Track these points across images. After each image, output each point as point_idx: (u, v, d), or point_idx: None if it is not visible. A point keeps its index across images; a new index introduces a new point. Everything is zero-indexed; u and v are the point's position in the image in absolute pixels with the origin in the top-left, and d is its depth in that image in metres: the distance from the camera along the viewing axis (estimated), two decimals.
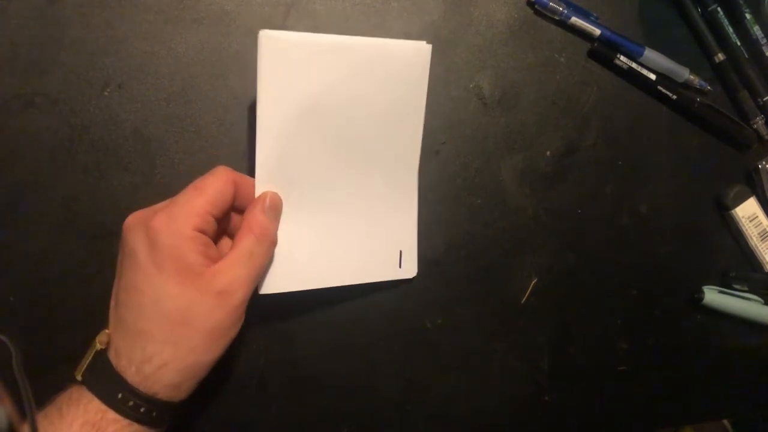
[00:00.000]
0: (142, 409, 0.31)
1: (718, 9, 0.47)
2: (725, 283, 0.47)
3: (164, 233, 0.32)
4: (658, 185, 0.47)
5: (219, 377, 0.40)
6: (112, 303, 0.34)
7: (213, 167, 0.37)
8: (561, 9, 0.44)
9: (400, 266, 0.42)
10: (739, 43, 0.47)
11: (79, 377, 0.31)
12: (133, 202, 0.34)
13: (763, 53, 0.47)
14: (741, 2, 0.47)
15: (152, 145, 0.40)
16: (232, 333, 0.34)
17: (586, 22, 0.44)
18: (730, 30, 0.47)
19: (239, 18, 0.40)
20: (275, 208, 0.38)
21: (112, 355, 0.32)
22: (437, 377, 0.43)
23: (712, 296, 0.46)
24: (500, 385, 0.45)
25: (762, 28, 0.47)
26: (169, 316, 0.32)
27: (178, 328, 0.32)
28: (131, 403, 0.31)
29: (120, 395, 0.31)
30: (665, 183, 0.47)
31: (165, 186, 0.39)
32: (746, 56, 0.47)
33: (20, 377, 0.28)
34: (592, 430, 0.46)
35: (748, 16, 0.47)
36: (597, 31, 0.44)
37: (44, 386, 0.31)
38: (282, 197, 0.38)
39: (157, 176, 0.39)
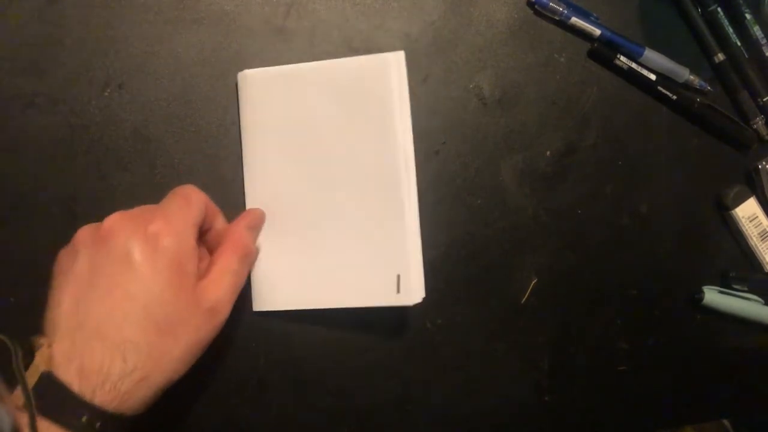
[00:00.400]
0: (97, 425, 0.28)
1: (718, 9, 0.47)
2: (725, 283, 0.47)
3: (168, 239, 0.31)
4: (658, 185, 0.47)
5: (219, 377, 0.40)
6: (67, 314, 0.30)
7: (213, 167, 0.38)
8: (561, 9, 0.44)
9: (398, 291, 0.39)
10: (739, 44, 0.47)
11: (20, 404, 0.27)
12: (133, 202, 0.34)
13: (763, 53, 0.47)
14: (741, 2, 0.47)
15: (152, 145, 0.40)
16: (204, 349, 0.33)
17: (586, 22, 0.44)
18: (730, 30, 0.47)
19: (239, 18, 0.40)
20: (258, 227, 0.38)
21: (67, 374, 0.28)
22: (437, 377, 0.43)
23: (712, 296, 0.46)
24: (500, 385, 0.45)
25: (762, 28, 0.47)
26: (159, 324, 0.30)
27: (164, 339, 0.30)
28: (98, 425, 0.28)
29: (85, 418, 0.28)
30: (665, 183, 0.47)
31: (165, 186, 0.39)
32: (746, 56, 0.47)
33: (20, 377, 0.28)
34: (592, 431, 0.46)
35: (748, 16, 0.47)
36: (597, 32, 0.44)
37: None
38: (272, 218, 0.39)
39: (157, 176, 0.39)
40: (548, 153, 0.45)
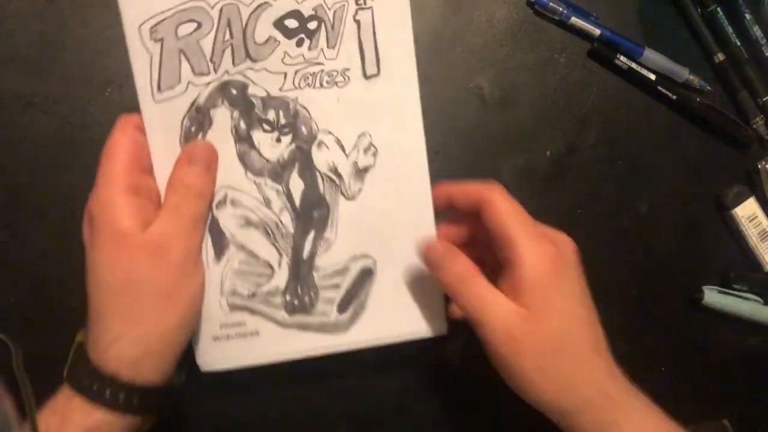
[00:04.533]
0: (120, 397, 0.30)
1: (718, 9, 0.47)
2: (725, 283, 0.47)
3: (95, 209, 0.31)
4: (658, 185, 0.47)
5: (219, 376, 0.40)
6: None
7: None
8: (561, 9, 0.44)
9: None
10: (739, 43, 0.47)
11: (64, 375, 0.31)
12: None
13: (763, 53, 0.47)
14: (741, 2, 0.47)
15: None
16: (185, 295, 0.32)
17: (586, 22, 0.44)
18: (730, 30, 0.47)
19: None
20: (201, 161, 0.34)
21: (88, 348, 0.31)
22: (437, 377, 0.43)
23: (712, 296, 0.46)
24: (500, 385, 0.45)
25: (762, 28, 0.47)
26: (110, 287, 0.31)
27: (121, 298, 0.31)
28: (107, 393, 0.30)
29: (95, 387, 0.30)
30: (665, 183, 0.47)
31: None
32: (746, 56, 0.47)
33: (20, 377, 0.29)
34: None
35: (747, 16, 0.47)
36: (597, 31, 0.44)
37: (44, 386, 0.31)
38: None
39: None
40: (548, 153, 0.45)
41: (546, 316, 0.31)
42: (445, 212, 0.37)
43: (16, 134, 0.38)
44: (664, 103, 0.46)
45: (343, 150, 0.36)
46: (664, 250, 0.47)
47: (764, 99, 0.47)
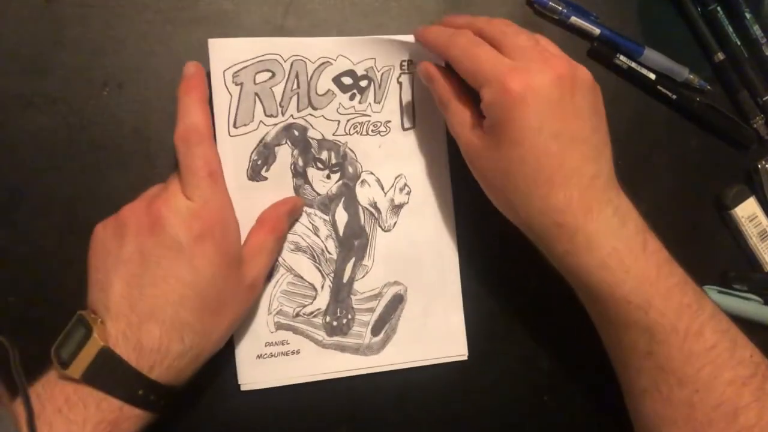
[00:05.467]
0: (152, 397, 0.31)
1: (718, 8, 0.47)
2: (725, 283, 0.47)
3: (214, 220, 0.33)
4: (658, 185, 0.47)
5: (218, 376, 0.40)
6: (120, 297, 0.32)
7: None
8: (560, 8, 0.44)
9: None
10: (739, 43, 0.47)
11: (77, 377, 0.30)
12: None
13: (763, 53, 0.47)
14: (741, 2, 0.47)
15: (152, 145, 0.40)
16: (244, 312, 0.36)
17: (586, 21, 0.44)
18: (730, 29, 0.47)
19: (238, 17, 0.41)
20: (294, 216, 0.40)
21: (125, 351, 0.30)
22: (437, 377, 0.43)
23: (712, 296, 0.46)
24: (500, 385, 0.45)
25: (762, 28, 0.47)
26: (211, 305, 0.33)
27: (215, 318, 0.33)
28: (152, 397, 0.31)
29: (141, 392, 0.30)
30: (665, 183, 0.47)
31: None
32: (746, 56, 0.47)
33: (19, 377, 0.28)
34: (592, 431, 0.46)
35: (748, 15, 0.47)
36: (596, 31, 0.44)
37: None
38: None
39: (157, 176, 0.39)
40: None
41: (499, 145, 0.33)
42: None
43: (15, 134, 0.38)
44: (664, 102, 0.46)
45: (382, 188, 0.42)
46: None
47: (764, 98, 0.47)
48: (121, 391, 0.30)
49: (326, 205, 0.41)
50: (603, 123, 0.34)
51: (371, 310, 0.41)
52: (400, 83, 0.41)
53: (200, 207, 0.33)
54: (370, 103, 0.41)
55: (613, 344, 0.36)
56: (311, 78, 0.40)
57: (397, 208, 0.42)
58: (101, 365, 0.30)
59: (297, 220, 0.40)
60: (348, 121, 0.41)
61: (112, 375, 0.30)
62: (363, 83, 0.41)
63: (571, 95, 0.32)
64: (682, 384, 0.32)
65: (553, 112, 0.32)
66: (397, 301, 0.42)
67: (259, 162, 0.39)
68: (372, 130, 0.41)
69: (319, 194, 0.41)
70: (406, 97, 0.42)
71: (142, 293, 0.32)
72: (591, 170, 0.32)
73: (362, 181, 0.41)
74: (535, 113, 0.32)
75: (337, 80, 0.40)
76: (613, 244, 0.32)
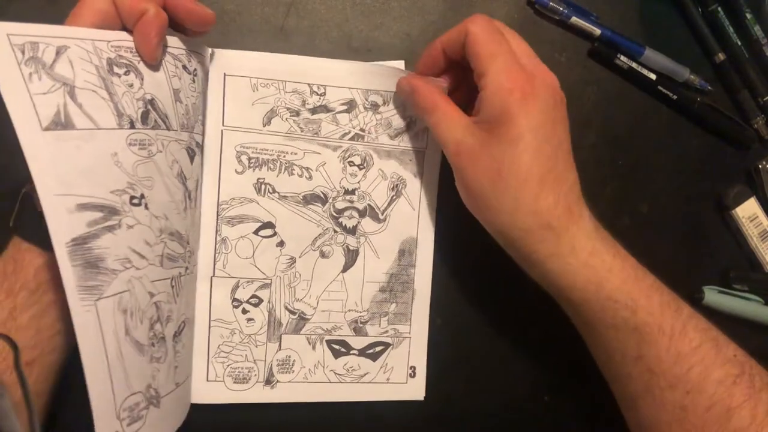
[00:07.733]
0: None
1: (719, 9, 0.47)
2: (725, 283, 0.47)
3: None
4: (658, 185, 0.47)
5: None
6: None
7: None
8: (561, 9, 0.44)
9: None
10: (739, 43, 0.47)
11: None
12: None
13: (763, 53, 0.47)
14: (741, 2, 0.47)
15: None
16: None
17: (587, 21, 0.44)
18: (731, 30, 0.47)
19: (239, 17, 0.41)
20: None
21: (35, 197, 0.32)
22: (437, 377, 0.43)
23: (712, 296, 0.46)
24: (500, 385, 0.45)
25: (762, 28, 0.47)
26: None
27: None
28: None
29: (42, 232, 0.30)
30: (665, 183, 0.47)
31: None
32: (747, 56, 0.47)
33: (20, 376, 0.29)
34: (592, 431, 0.46)
35: (748, 15, 0.47)
36: (597, 31, 0.44)
37: None
38: None
39: None
40: None
41: (494, 142, 0.33)
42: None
43: (15, 134, 0.38)
44: (664, 102, 0.46)
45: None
46: (665, 250, 0.47)
47: (765, 99, 0.47)
48: (28, 232, 0.32)
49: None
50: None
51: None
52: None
53: None
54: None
55: (601, 351, 0.36)
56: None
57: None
58: (22, 211, 0.33)
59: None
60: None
61: (28, 219, 0.33)
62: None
63: (561, 104, 0.35)
64: (672, 386, 0.32)
65: (549, 117, 0.33)
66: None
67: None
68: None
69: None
70: None
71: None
72: (572, 176, 0.35)
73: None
74: (537, 114, 0.33)
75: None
76: (593, 244, 0.34)
